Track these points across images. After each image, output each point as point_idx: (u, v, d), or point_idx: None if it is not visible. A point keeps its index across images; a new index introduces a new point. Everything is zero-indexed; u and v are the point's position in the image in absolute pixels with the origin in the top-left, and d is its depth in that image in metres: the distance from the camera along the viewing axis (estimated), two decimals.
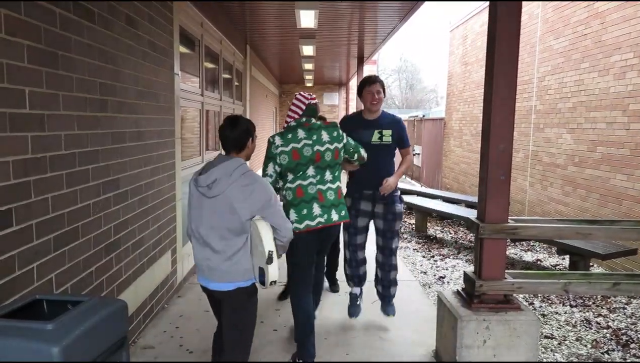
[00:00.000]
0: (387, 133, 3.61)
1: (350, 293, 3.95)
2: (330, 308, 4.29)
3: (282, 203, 2.79)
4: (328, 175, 3.15)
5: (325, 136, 3.13)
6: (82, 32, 2.68)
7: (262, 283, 2.41)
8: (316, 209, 3.08)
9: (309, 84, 17.73)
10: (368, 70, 17.43)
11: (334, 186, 3.18)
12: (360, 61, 11.12)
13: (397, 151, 3.74)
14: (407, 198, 8.91)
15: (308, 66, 12.50)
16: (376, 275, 3.91)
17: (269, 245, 2.33)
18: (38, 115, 2.29)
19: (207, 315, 4.07)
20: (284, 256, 2.87)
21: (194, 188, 2.47)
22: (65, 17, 2.50)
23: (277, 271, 2.36)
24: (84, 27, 2.71)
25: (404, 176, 16.91)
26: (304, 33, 8.15)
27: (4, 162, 2.07)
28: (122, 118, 3.26)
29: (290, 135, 3.08)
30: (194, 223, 2.46)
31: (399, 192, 3.74)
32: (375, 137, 3.59)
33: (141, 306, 3.68)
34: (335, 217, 3.14)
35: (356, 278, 3.88)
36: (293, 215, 3.06)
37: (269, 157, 3.09)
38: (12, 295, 2.14)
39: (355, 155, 3.35)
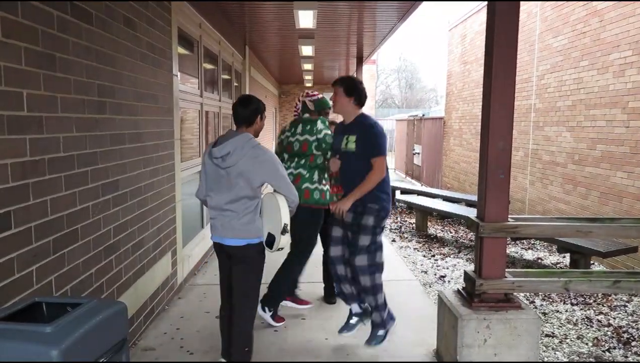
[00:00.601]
0: (352, 139, 3.25)
1: (350, 310, 3.62)
2: (330, 308, 4.28)
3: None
4: (295, 163, 3.76)
5: (299, 129, 3.75)
6: (80, 34, 2.68)
7: (269, 246, 2.85)
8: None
9: (309, 84, 17.72)
10: (367, 70, 17.43)
11: (295, 171, 3.75)
12: (360, 61, 11.12)
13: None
14: (407, 197, 8.92)
15: (307, 66, 12.49)
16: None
17: (285, 218, 2.75)
18: (36, 118, 2.29)
19: (207, 317, 4.07)
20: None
21: (209, 160, 2.83)
22: (62, 18, 2.50)
23: (288, 240, 2.82)
24: (82, 28, 2.70)
25: (404, 176, 16.91)
26: (303, 33, 8.14)
27: (2, 165, 2.07)
28: (120, 120, 3.25)
29: (286, 127, 3.86)
30: (211, 191, 2.84)
31: (376, 205, 3.25)
32: (343, 143, 3.33)
33: (141, 308, 3.67)
34: None
35: (346, 295, 3.53)
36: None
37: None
38: (11, 297, 2.13)
39: (328, 155, 3.72)
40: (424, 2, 6.18)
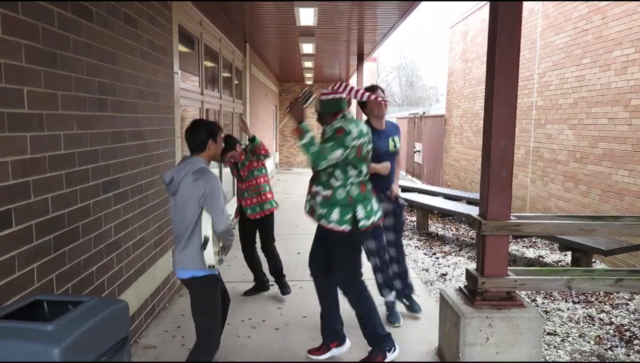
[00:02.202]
0: (397, 140, 3.87)
1: (387, 302, 3.94)
2: None
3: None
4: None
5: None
6: (81, 31, 2.67)
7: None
8: (375, 204, 3.14)
9: (309, 82, 17.69)
10: (368, 67, 17.40)
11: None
12: (360, 58, 11.09)
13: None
14: (408, 195, 8.90)
15: (308, 64, 12.47)
16: (394, 273, 4.01)
17: (205, 231, 2.55)
18: (37, 115, 2.28)
19: None
20: None
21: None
22: (63, 16, 2.48)
23: (212, 256, 2.56)
24: (83, 26, 2.69)
25: (405, 174, 16.96)
26: (304, 31, 8.12)
27: (3, 163, 2.05)
28: (121, 117, 3.24)
29: (366, 129, 3.06)
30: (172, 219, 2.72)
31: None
32: (390, 146, 3.81)
33: (142, 306, 3.67)
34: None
35: (387, 282, 3.91)
36: (362, 210, 3.00)
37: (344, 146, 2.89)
38: (12, 296, 2.12)
39: None
40: (425, 1, 6.16)
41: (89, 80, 2.78)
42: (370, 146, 3.06)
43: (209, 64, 6.41)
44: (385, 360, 3.19)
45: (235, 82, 8.42)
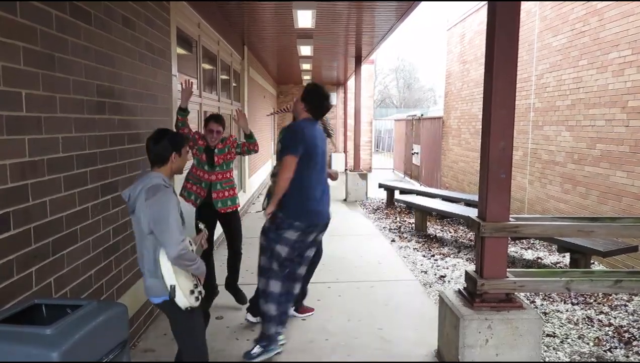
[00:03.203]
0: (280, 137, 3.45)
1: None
2: (330, 309, 4.27)
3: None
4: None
5: None
6: (79, 34, 2.66)
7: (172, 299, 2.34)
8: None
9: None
10: (365, 69, 17.40)
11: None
12: (358, 61, 11.11)
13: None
14: (406, 197, 8.92)
15: (306, 66, 12.48)
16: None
17: (169, 279, 2.28)
18: (35, 118, 2.27)
19: None
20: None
21: None
22: (61, 18, 2.48)
23: (183, 300, 2.31)
24: (81, 28, 2.69)
25: (403, 175, 16.93)
26: (302, 33, 8.13)
27: (1, 166, 2.05)
28: (120, 120, 3.23)
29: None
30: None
31: (284, 207, 3.27)
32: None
33: (141, 309, 3.66)
34: None
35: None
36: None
37: None
38: (10, 299, 2.11)
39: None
40: (423, 2, 6.18)
41: (87, 82, 2.77)
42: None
43: (207, 66, 6.41)
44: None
45: (234, 84, 8.42)
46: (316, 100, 3.39)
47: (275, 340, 3.35)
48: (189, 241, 2.41)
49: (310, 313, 4.12)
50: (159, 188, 2.32)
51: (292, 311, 3.94)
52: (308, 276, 3.95)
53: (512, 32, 2.95)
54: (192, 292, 2.37)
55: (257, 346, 3.30)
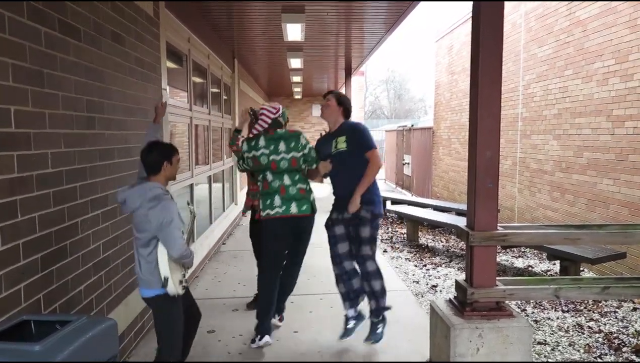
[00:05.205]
0: (341, 140, 3.62)
1: (345, 315, 3.78)
2: (323, 320, 4.26)
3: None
4: (287, 179, 3.65)
5: (282, 146, 3.64)
6: (68, 50, 2.68)
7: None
8: (277, 201, 3.62)
9: (298, 96, 17.79)
10: (356, 81, 17.55)
11: (297, 185, 3.66)
12: (348, 72, 11.21)
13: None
14: (397, 207, 8.94)
15: (296, 79, 12.56)
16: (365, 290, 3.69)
17: (163, 271, 2.60)
18: (24, 134, 2.28)
19: (199, 332, 4.02)
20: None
21: None
22: (50, 35, 2.50)
23: (173, 289, 2.63)
24: (70, 45, 2.70)
25: (395, 186, 16.99)
26: (291, 46, 8.20)
27: None
28: (110, 135, 3.24)
29: (253, 143, 3.67)
30: None
31: (373, 203, 3.59)
32: (333, 147, 3.67)
33: (132, 324, 3.63)
34: (294, 209, 3.61)
35: (349, 294, 3.72)
36: (261, 203, 3.67)
37: (241, 156, 3.74)
38: None
39: (314, 166, 3.77)
40: (411, 15, 6.27)
41: (77, 98, 2.78)
42: (274, 158, 3.61)
43: (198, 80, 6.44)
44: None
45: (224, 97, 8.45)
46: (348, 103, 3.79)
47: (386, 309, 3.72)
48: (181, 230, 2.65)
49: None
50: (160, 198, 2.58)
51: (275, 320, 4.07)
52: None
53: (497, 32, 2.98)
54: (181, 281, 2.69)
55: (379, 328, 3.65)
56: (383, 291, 3.65)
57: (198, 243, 5.75)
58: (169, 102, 4.62)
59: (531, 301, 4.89)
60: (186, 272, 2.78)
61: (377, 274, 3.61)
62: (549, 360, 3.72)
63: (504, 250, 7.07)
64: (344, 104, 3.75)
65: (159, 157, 2.67)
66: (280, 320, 4.14)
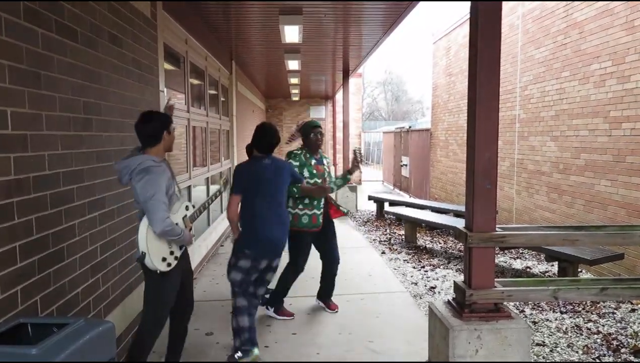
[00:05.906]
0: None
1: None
2: (321, 322, 4.26)
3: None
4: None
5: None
6: (65, 52, 2.67)
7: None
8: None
9: (295, 98, 17.79)
10: (353, 83, 17.55)
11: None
12: (346, 74, 11.22)
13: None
14: (395, 209, 8.95)
15: (294, 80, 12.56)
16: None
17: (142, 245, 2.59)
18: (21, 136, 2.27)
19: (196, 334, 4.01)
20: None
21: None
22: (47, 36, 2.49)
23: (152, 265, 2.61)
24: (67, 46, 2.70)
25: (392, 187, 17.06)
26: (289, 48, 8.20)
27: None
28: (107, 136, 3.23)
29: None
30: None
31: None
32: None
33: (130, 326, 3.62)
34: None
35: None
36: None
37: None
38: None
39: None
40: (408, 17, 6.28)
41: (74, 100, 2.78)
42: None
43: (195, 81, 6.43)
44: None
45: (222, 99, 8.45)
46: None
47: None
48: (165, 204, 2.59)
49: (290, 317, 4.36)
50: (148, 171, 2.56)
51: (270, 312, 4.38)
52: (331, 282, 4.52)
53: (495, 33, 2.96)
54: (164, 259, 2.65)
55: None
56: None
57: (196, 244, 5.73)
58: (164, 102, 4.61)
59: (529, 302, 4.89)
60: (176, 250, 2.73)
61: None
62: (548, 362, 3.72)
63: (501, 252, 7.07)
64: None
65: (160, 126, 2.64)
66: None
